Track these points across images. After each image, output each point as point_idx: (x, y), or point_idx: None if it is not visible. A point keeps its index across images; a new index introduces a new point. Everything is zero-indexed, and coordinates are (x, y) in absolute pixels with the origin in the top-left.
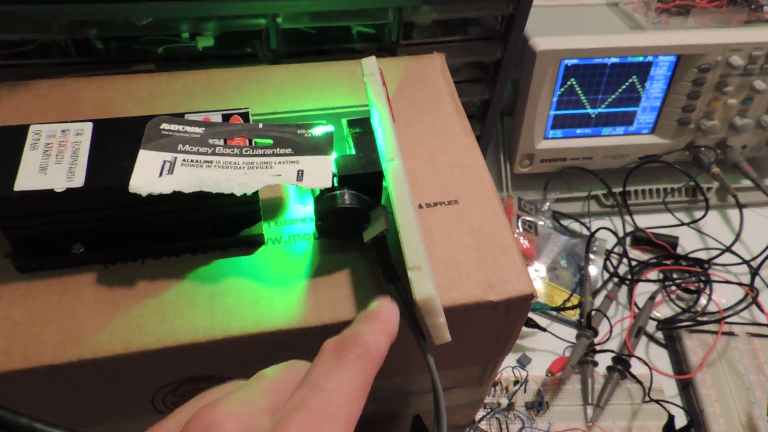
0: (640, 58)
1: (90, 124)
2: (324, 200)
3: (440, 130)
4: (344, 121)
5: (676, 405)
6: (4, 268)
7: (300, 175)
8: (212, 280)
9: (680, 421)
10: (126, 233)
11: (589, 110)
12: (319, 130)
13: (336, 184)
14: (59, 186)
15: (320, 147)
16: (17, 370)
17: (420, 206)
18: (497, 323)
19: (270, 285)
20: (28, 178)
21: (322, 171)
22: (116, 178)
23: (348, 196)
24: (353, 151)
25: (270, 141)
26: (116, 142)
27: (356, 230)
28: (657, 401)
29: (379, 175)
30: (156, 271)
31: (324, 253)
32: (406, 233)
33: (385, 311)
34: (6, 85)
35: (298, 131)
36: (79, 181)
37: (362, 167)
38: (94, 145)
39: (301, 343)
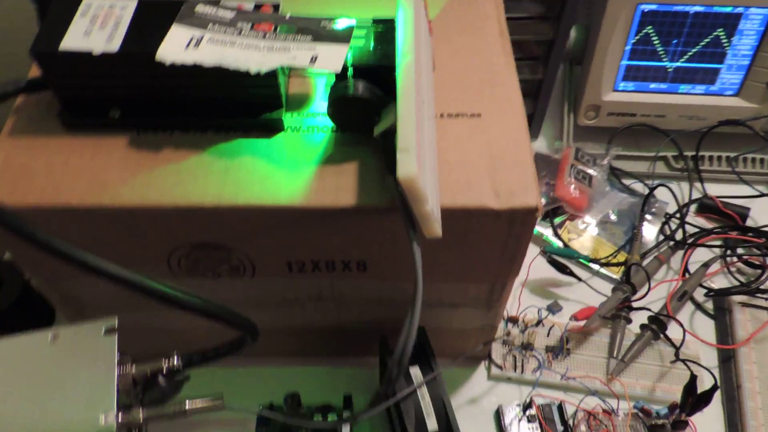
0: (729, 9)
1: (135, 1)
2: (336, 88)
3: (479, 49)
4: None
5: (706, 369)
6: (54, 125)
7: (313, 59)
8: (229, 155)
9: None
10: (158, 104)
11: (666, 63)
12: (341, 23)
13: (350, 76)
14: (97, 49)
15: (339, 37)
16: (49, 206)
17: (441, 115)
18: (501, 236)
19: (281, 167)
20: (73, 39)
21: (335, 58)
22: (147, 47)
23: (360, 86)
24: (372, 46)
25: (293, 29)
26: (154, 19)
27: (368, 124)
28: (683, 360)
29: (393, 70)
30: (181, 142)
31: (338, 145)
32: (402, 119)
33: None
34: None
35: (321, 23)
36: (115, 46)
37: (376, 60)
38: (134, 19)
39: (300, 223)
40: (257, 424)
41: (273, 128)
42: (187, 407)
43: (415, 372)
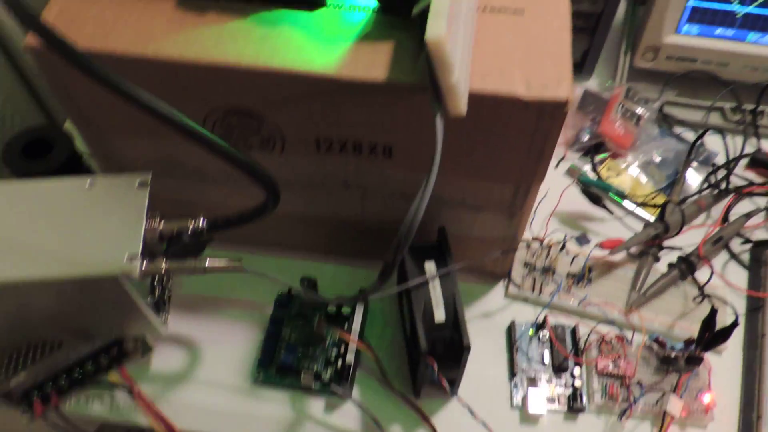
0: None
1: None
2: None
3: None
4: None
5: (729, 304)
6: None
7: None
8: (270, 23)
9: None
10: None
11: (736, 7)
12: None
13: None
14: None
15: None
16: (96, 51)
17: (484, 9)
18: (529, 129)
19: (319, 39)
20: None
21: None
22: None
23: None
24: None
25: None
26: None
27: (409, 3)
28: (707, 296)
29: None
30: (226, 7)
31: (377, 25)
32: None
33: None
34: None
35: None
36: None
37: None
38: None
39: (330, 94)
40: (275, 305)
41: (315, 2)
42: (207, 264)
43: (430, 266)
